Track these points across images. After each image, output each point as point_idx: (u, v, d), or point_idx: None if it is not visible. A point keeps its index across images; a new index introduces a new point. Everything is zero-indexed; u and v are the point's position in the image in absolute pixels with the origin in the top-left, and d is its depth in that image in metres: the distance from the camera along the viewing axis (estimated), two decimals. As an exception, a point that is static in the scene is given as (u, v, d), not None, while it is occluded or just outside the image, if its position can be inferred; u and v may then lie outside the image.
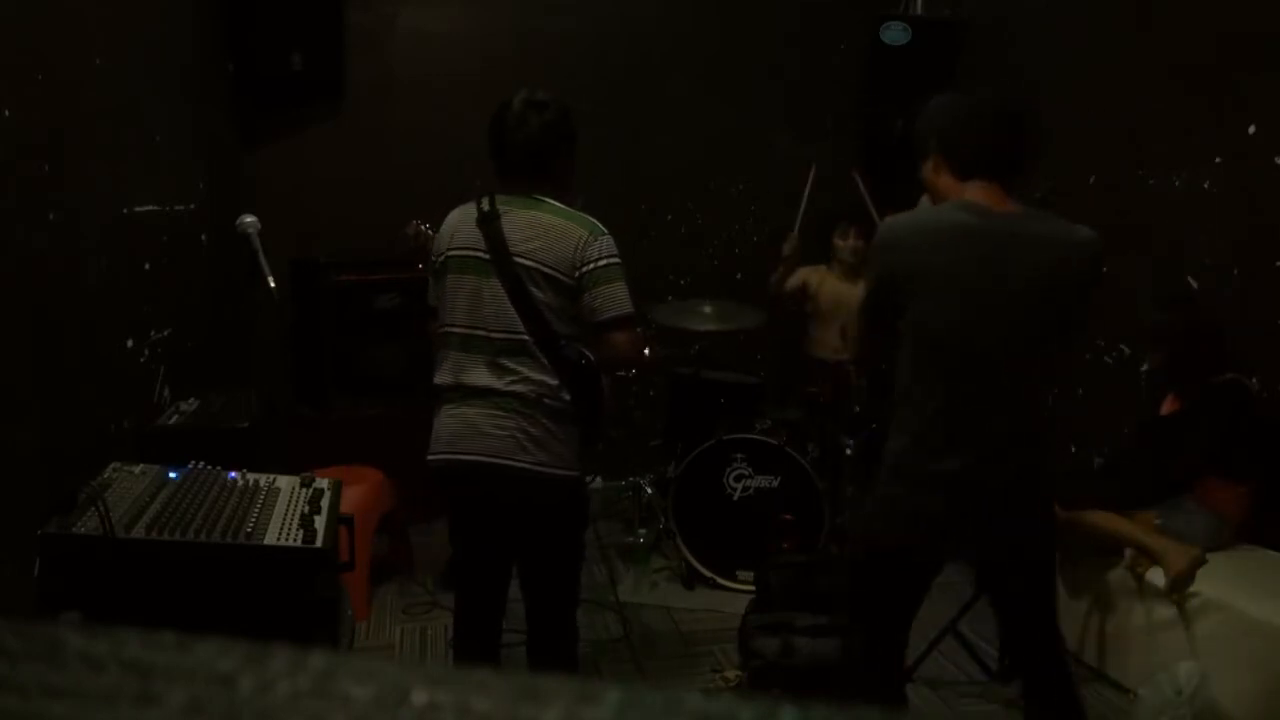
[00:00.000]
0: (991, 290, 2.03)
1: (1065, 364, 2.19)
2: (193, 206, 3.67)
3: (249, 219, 2.89)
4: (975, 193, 2.10)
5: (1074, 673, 2.29)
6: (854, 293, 4.44)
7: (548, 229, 2.30)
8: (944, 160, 2.16)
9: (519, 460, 2.31)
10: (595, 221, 2.34)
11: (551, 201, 2.36)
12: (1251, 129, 3.38)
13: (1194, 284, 3.60)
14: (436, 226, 2.56)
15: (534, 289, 2.28)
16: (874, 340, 2.24)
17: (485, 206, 2.35)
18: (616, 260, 2.32)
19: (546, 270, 2.28)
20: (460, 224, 2.40)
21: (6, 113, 2.12)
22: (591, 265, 2.28)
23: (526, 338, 2.30)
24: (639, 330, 2.45)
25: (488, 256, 2.31)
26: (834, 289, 4.48)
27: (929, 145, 2.19)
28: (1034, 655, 2.31)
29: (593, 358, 2.41)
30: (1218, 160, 3.53)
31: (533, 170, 2.35)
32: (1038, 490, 2.17)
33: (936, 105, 2.23)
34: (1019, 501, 2.13)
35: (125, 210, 2.96)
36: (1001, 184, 2.11)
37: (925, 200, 2.23)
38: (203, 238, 3.80)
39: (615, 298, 2.30)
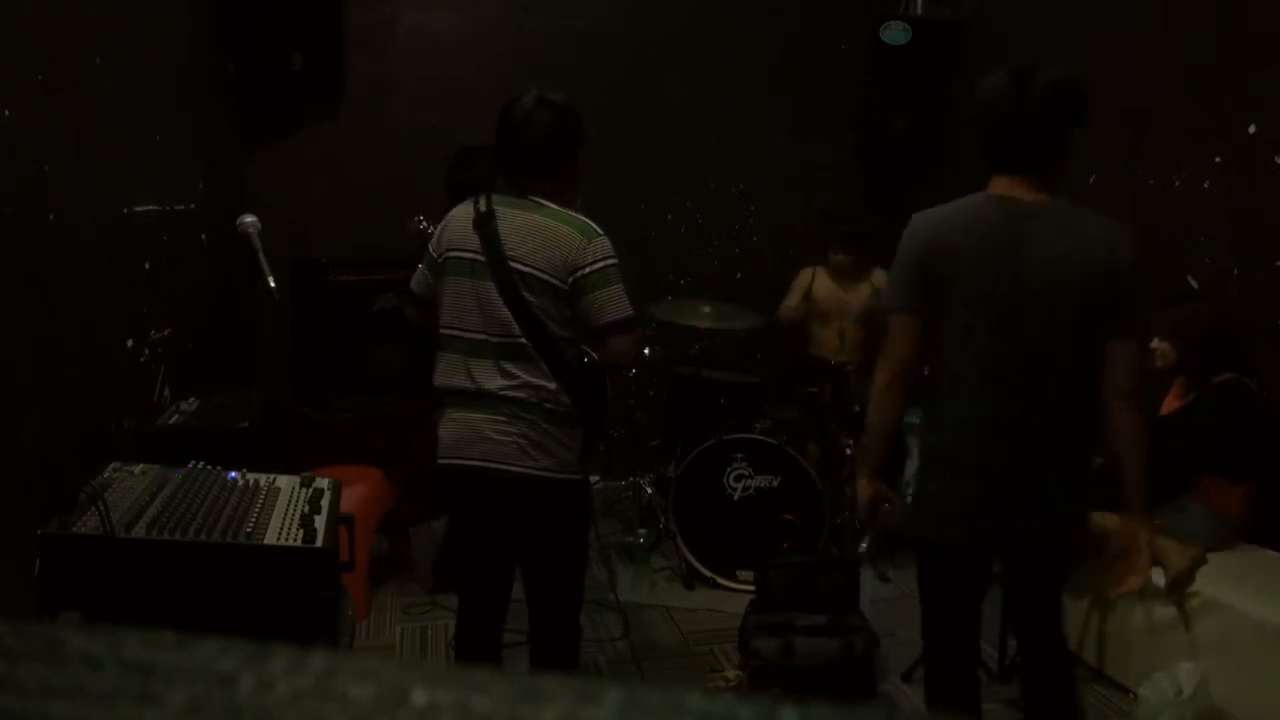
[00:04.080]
0: (1014, 282, 2.05)
1: (1123, 360, 2.12)
2: (193, 206, 3.67)
3: (249, 219, 2.89)
4: (1002, 185, 2.13)
5: (1076, 676, 2.36)
6: (849, 296, 4.47)
7: (542, 233, 2.28)
8: (982, 152, 2.17)
9: (521, 465, 2.31)
10: (590, 224, 2.32)
11: (548, 204, 2.34)
12: (1251, 129, 3.38)
13: (1194, 284, 3.60)
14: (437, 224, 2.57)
15: (528, 294, 2.27)
16: (909, 337, 2.19)
17: (482, 207, 2.34)
18: (612, 262, 2.29)
19: (540, 275, 2.26)
20: (458, 224, 2.39)
21: (6, 113, 2.12)
22: (586, 269, 2.26)
23: (524, 341, 2.29)
24: (639, 331, 2.45)
25: (483, 259, 2.31)
26: (831, 291, 4.50)
27: (975, 136, 2.20)
28: (1038, 653, 2.35)
29: (595, 357, 2.41)
30: (1218, 160, 3.53)
31: (537, 168, 2.34)
32: (1070, 490, 2.18)
33: (979, 94, 2.17)
34: (1050, 498, 2.16)
35: (125, 210, 2.96)
36: (1033, 177, 2.10)
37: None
38: (203, 238, 3.80)
39: (613, 302, 2.28)
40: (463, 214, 2.40)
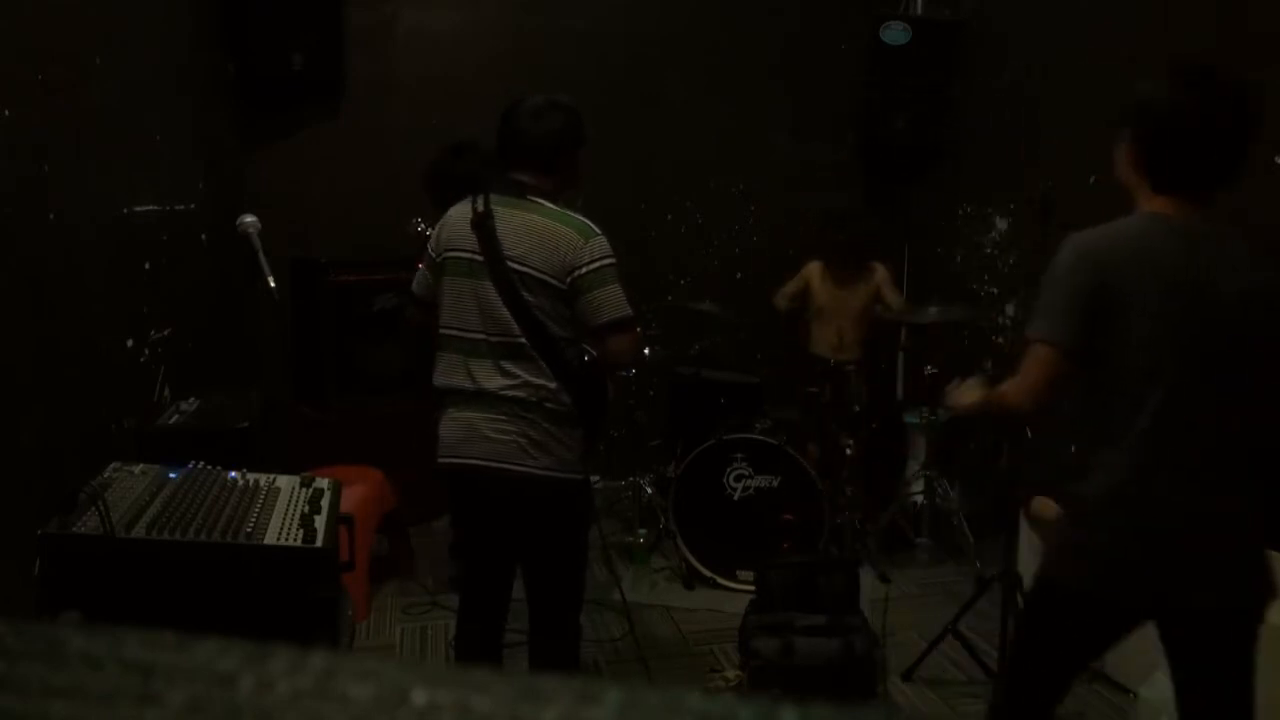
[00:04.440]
0: (1200, 319, 1.83)
1: None
2: (193, 206, 3.67)
3: (249, 219, 2.89)
4: (1166, 205, 1.89)
5: None
6: (848, 295, 4.47)
7: (540, 233, 2.28)
8: (1140, 164, 1.92)
9: (521, 464, 2.32)
10: (588, 223, 2.32)
11: (546, 204, 2.34)
12: (1251, 129, 3.38)
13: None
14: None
15: (526, 294, 2.27)
16: (1054, 375, 1.87)
17: (480, 207, 2.35)
18: (610, 261, 2.30)
19: (538, 275, 2.27)
20: (455, 224, 2.40)
21: (6, 112, 2.12)
22: (584, 269, 2.26)
23: (523, 341, 2.29)
24: (638, 330, 2.45)
25: (481, 259, 2.31)
26: (830, 290, 4.50)
27: (1125, 134, 1.95)
28: None
29: (595, 356, 2.41)
30: (1218, 160, 3.52)
31: (538, 167, 2.35)
32: (1254, 546, 1.91)
33: (1146, 96, 1.93)
34: (1232, 556, 1.89)
35: (125, 210, 2.96)
36: (1203, 196, 1.90)
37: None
38: (203, 238, 3.80)
39: (611, 301, 2.29)
40: (460, 214, 2.40)
